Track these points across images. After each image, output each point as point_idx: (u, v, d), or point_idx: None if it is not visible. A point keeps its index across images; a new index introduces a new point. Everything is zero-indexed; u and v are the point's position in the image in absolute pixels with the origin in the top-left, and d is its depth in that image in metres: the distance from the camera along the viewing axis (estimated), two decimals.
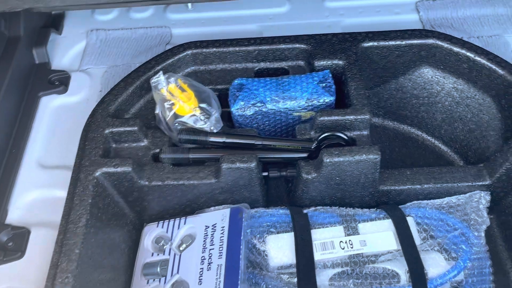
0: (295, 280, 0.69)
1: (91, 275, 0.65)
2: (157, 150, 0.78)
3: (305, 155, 0.78)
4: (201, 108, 0.77)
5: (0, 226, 0.72)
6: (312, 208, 0.78)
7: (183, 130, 0.77)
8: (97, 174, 0.70)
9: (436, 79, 0.90)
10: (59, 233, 0.65)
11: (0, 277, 0.68)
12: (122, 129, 0.76)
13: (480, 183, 0.75)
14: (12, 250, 0.70)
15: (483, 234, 0.72)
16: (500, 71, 0.80)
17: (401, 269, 0.69)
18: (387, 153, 0.94)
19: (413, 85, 0.92)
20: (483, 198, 0.75)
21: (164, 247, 0.76)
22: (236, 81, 0.83)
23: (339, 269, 0.69)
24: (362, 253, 0.70)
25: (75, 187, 0.69)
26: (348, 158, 0.71)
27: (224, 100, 0.84)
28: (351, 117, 0.76)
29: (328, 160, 0.71)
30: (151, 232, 0.78)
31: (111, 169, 0.71)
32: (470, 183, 0.75)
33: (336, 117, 0.76)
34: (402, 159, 0.93)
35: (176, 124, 0.78)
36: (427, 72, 0.90)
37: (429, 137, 0.95)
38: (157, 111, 0.80)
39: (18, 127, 0.84)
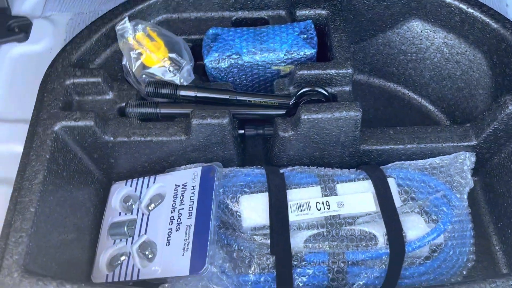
0: (268, 241, 0.66)
1: (50, 235, 0.61)
2: (123, 104, 0.72)
3: (282, 112, 0.73)
4: (171, 59, 0.71)
5: None
6: (289, 168, 0.74)
7: (151, 82, 0.71)
8: (56, 128, 0.65)
9: (425, 33, 0.84)
10: (14, 190, 0.61)
11: None
12: (84, 80, 0.70)
13: (466, 143, 0.72)
14: None
15: (465, 197, 0.69)
16: (494, 25, 0.75)
17: (379, 231, 0.66)
18: (371, 112, 0.89)
19: (401, 39, 0.86)
20: (468, 159, 0.72)
21: (132, 206, 0.72)
22: (210, 31, 0.77)
23: (314, 231, 0.66)
24: (339, 215, 0.67)
25: (32, 142, 0.64)
26: (327, 115, 0.66)
27: (198, 53, 0.78)
28: (333, 71, 0.71)
29: (306, 117, 0.66)
30: (119, 191, 0.74)
31: (72, 123, 0.66)
32: (455, 144, 0.72)
33: (316, 71, 0.71)
34: (386, 118, 0.89)
35: (144, 76, 0.72)
36: (417, 26, 0.84)
37: (416, 96, 0.90)
38: (124, 62, 0.74)
39: None
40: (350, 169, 0.73)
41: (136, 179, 0.74)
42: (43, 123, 0.65)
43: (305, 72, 0.71)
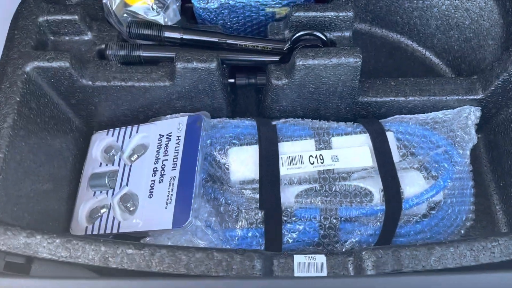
0: (257, 195, 0.62)
1: (21, 183, 0.57)
2: (103, 46, 0.66)
3: (276, 58, 0.67)
4: None
5: None
6: (282, 120, 0.69)
7: (133, 22, 0.65)
8: (27, 68, 0.59)
9: None
10: None
11: None
12: (59, 17, 0.64)
13: (472, 97, 0.67)
14: None
15: (468, 153, 0.65)
16: None
17: (374, 187, 0.62)
18: (372, 63, 0.83)
19: None
20: (472, 114, 0.67)
21: (114, 157, 0.68)
22: None
23: (306, 186, 0.62)
24: (333, 169, 0.63)
25: (1, 83, 0.58)
26: (325, 61, 0.61)
27: None
28: (332, 13, 0.65)
29: (301, 63, 0.61)
30: (101, 141, 0.70)
31: (45, 64, 0.60)
32: (460, 97, 0.67)
33: (314, 13, 0.65)
34: (387, 70, 0.84)
35: (125, 15, 0.66)
36: None
37: (419, 47, 0.84)
38: (104, 0, 0.67)
39: None
40: (347, 123, 0.69)
41: (118, 128, 0.70)
42: (13, 63, 0.59)
43: (302, 14, 0.65)
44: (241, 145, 0.65)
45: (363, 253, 0.48)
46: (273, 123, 0.68)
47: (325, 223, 0.61)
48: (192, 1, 0.68)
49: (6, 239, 0.49)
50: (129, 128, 0.69)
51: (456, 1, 0.77)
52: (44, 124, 0.62)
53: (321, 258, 0.50)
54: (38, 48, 0.62)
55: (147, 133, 0.67)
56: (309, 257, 0.50)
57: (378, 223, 0.61)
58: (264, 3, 0.68)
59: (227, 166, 0.64)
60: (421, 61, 0.84)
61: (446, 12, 0.79)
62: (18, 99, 0.57)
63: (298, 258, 0.50)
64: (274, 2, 0.68)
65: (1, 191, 0.53)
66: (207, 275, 0.47)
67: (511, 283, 0.38)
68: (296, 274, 0.49)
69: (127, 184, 0.64)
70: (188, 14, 0.73)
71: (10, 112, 0.56)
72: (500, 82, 0.64)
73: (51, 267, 0.53)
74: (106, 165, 0.68)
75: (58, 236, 0.49)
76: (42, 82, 0.61)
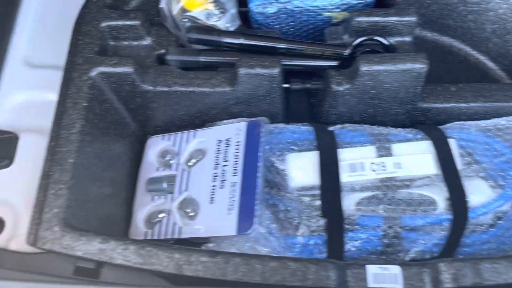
0: (317, 203, 0.61)
1: (88, 188, 0.57)
2: (162, 51, 0.66)
3: (335, 63, 0.66)
4: (215, 1, 0.64)
5: None
6: (339, 126, 0.68)
7: (193, 28, 0.65)
8: (92, 74, 0.60)
9: None
10: (51, 139, 0.56)
11: None
12: (121, 22, 0.64)
13: None
14: None
15: None
16: None
17: (439, 195, 0.61)
18: None
19: None
20: None
21: (171, 161, 0.68)
22: None
23: (368, 193, 0.61)
24: (395, 177, 0.62)
25: (68, 88, 0.59)
26: (390, 67, 0.60)
27: None
28: (394, 18, 0.64)
29: (365, 69, 0.60)
30: (156, 145, 0.70)
31: (110, 69, 0.60)
32: None
33: (376, 18, 0.64)
34: (439, 75, 0.81)
35: (185, 20, 0.66)
36: None
37: (473, 52, 0.83)
38: (162, 5, 0.67)
39: (0, 19, 0.71)
40: (406, 129, 0.68)
41: (174, 133, 0.70)
42: (78, 68, 0.60)
43: (364, 19, 0.64)
44: (299, 151, 0.65)
45: (441, 264, 0.47)
46: (330, 129, 0.67)
47: (389, 231, 0.60)
48: (249, 6, 0.68)
49: (81, 244, 0.49)
50: (185, 133, 0.69)
51: None
52: (106, 129, 0.63)
53: (395, 269, 0.49)
54: (100, 53, 0.63)
55: (204, 138, 0.67)
56: (382, 267, 0.49)
57: (443, 233, 0.60)
58: (323, 8, 0.68)
59: (285, 172, 0.64)
60: (474, 66, 0.82)
61: (503, 16, 0.77)
62: (85, 104, 0.58)
63: (371, 269, 0.49)
64: (332, 7, 0.68)
65: (72, 196, 0.53)
66: (282, 284, 0.47)
67: None
68: (370, 285, 0.48)
69: (186, 189, 0.64)
70: (241, 19, 0.73)
71: (78, 117, 0.57)
72: None
73: (120, 273, 0.53)
74: (163, 169, 0.68)
75: (132, 243, 0.49)
76: (105, 87, 0.62)
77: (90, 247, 0.49)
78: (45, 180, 0.54)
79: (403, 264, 0.49)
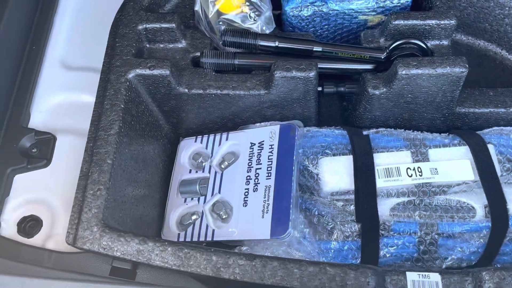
0: (351, 207, 0.61)
1: (125, 190, 0.58)
2: (197, 54, 0.67)
3: (370, 66, 0.66)
4: (251, 3, 0.64)
5: (22, 130, 0.64)
6: (373, 130, 0.67)
7: (228, 30, 0.65)
8: (130, 76, 0.60)
9: None
10: (89, 140, 0.57)
11: (23, 186, 0.61)
12: (157, 25, 0.65)
13: None
14: (37, 157, 0.62)
15: None
16: None
17: (477, 202, 0.59)
18: None
19: None
20: None
21: (203, 164, 0.68)
22: None
23: (404, 199, 0.60)
24: (432, 182, 0.61)
25: (105, 90, 0.60)
26: (428, 71, 0.59)
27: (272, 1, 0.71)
28: (433, 21, 0.63)
29: (404, 72, 0.59)
30: (188, 147, 0.70)
31: (147, 71, 0.61)
32: None
33: (414, 21, 0.63)
34: (475, 80, 0.80)
35: (220, 23, 0.66)
36: None
37: (510, 56, 0.81)
38: (196, 8, 0.68)
39: (38, 20, 0.73)
40: (442, 134, 0.66)
41: (206, 135, 0.70)
42: (116, 70, 0.61)
43: (402, 22, 0.63)
44: (333, 155, 0.64)
45: (483, 273, 0.46)
46: (364, 133, 0.66)
47: (426, 238, 0.59)
48: (285, 9, 0.68)
49: (119, 245, 0.50)
50: (218, 136, 0.69)
51: None
52: (142, 131, 0.63)
53: (435, 277, 0.48)
54: (137, 55, 0.63)
55: (237, 141, 0.67)
56: (422, 275, 0.48)
57: (482, 240, 0.59)
58: (358, 10, 0.67)
59: (319, 176, 0.63)
60: (511, 70, 0.80)
61: None
62: (122, 106, 0.58)
63: (411, 276, 0.48)
64: (368, 10, 0.67)
65: (110, 196, 0.54)
66: None
67: None
68: None
69: (219, 192, 0.64)
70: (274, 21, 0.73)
71: (116, 119, 0.57)
72: None
73: (155, 274, 0.53)
74: (196, 172, 0.68)
75: (170, 244, 0.49)
76: (141, 89, 0.62)
77: (128, 248, 0.49)
78: (83, 181, 0.54)
79: (443, 272, 0.48)
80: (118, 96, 0.59)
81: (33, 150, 0.63)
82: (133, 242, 0.49)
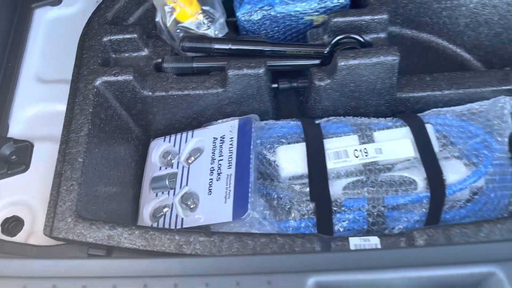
0: (307, 189, 0.67)
1: (97, 185, 0.63)
2: (159, 60, 0.73)
3: (317, 61, 0.72)
4: (204, 11, 0.71)
5: (1, 139, 0.70)
6: (325, 119, 0.74)
7: (186, 37, 0.72)
8: (97, 83, 0.67)
9: None
10: (61, 143, 0.63)
11: (5, 190, 0.67)
12: (121, 36, 0.71)
13: (506, 87, 0.70)
14: (16, 163, 0.68)
15: (506, 140, 0.68)
16: None
17: (418, 176, 0.66)
18: (405, 63, 0.86)
19: None
20: (507, 103, 0.70)
21: (172, 161, 0.74)
22: None
23: (353, 178, 0.67)
24: (377, 161, 0.67)
25: (75, 97, 0.66)
26: (365, 61, 0.66)
27: (229, 9, 0.78)
28: (368, 17, 0.70)
29: (343, 64, 0.66)
30: (158, 147, 0.76)
31: (112, 78, 0.67)
32: (494, 88, 0.70)
33: (351, 18, 0.70)
34: (420, 70, 0.86)
35: (178, 30, 0.72)
36: None
37: (450, 45, 0.88)
38: (157, 19, 0.74)
39: (13, 40, 0.79)
40: (387, 118, 0.73)
41: (174, 135, 0.76)
42: (84, 79, 0.67)
43: (340, 19, 0.70)
44: (288, 143, 0.70)
45: (415, 232, 0.52)
46: (317, 122, 0.73)
47: (373, 211, 0.65)
48: (237, 14, 0.75)
49: (91, 232, 0.55)
50: (184, 134, 0.75)
51: None
52: (111, 133, 0.69)
53: (375, 240, 0.54)
54: (103, 65, 0.70)
55: (202, 137, 0.73)
56: (363, 239, 0.54)
57: (424, 210, 0.65)
58: (303, 12, 0.74)
59: (277, 164, 0.69)
60: (452, 58, 0.88)
61: (475, 10, 0.83)
62: (91, 110, 0.64)
63: (353, 240, 0.54)
64: (312, 11, 0.74)
65: (82, 191, 0.59)
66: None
67: None
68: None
69: (186, 184, 0.70)
70: (230, 28, 0.80)
71: (85, 122, 0.63)
72: None
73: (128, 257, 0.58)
74: (166, 168, 0.74)
75: (137, 228, 0.55)
76: (108, 95, 0.68)
77: (99, 234, 0.55)
78: (57, 179, 0.60)
79: (382, 235, 0.54)
80: (86, 102, 0.65)
81: (13, 157, 0.69)
82: (103, 228, 0.55)
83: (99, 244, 0.55)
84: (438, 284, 0.41)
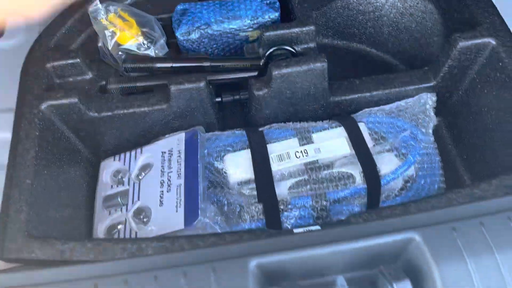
0: (255, 192, 0.70)
1: (47, 206, 0.64)
2: (104, 82, 0.76)
3: (255, 73, 0.77)
4: (143, 33, 0.75)
5: None
6: (267, 126, 0.78)
7: (128, 59, 0.75)
8: (42, 107, 0.68)
9: None
10: (8, 168, 0.64)
11: None
12: (64, 62, 0.73)
13: (426, 84, 0.77)
14: None
15: (430, 131, 0.75)
16: None
17: (355, 170, 0.71)
18: (339, 71, 0.93)
19: (358, 0, 0.92)
20: (429, 99, 0.78)
21: (123, 178, 0.76)
22: (178, 7, 0.81)
23: (297, 178, 0.71)
24: (317, 160, 0.72)
25: (20, 122, 0.67)
26: (296, 69, 0.71)
27: (169, 30, 0.82)
28: (297, 29, 0.76)
29: (276, 73, 0.71)
30: (109, 167, 0.78)
31: (57, 101, 0.69)
32: (416, 86, 0.78)
33: (282, 31, 0.76)
34: (354, 76, 0.94)
35: (120, 53, 0.76)
36: None
37: (378, 52, 0.96)
38: (100, 44, 0.77)
39: None
40: (324, 120, 0.79)
41: (124, 153, 0.78)
42: (29, 104, 0.68)
43: (272, 33, 0.76)
44: (234, 151, 0.74)
45: (351, 218, 0.57)
46: (260, 129, 0.77)
47: (317, 206, 0.69)
48: (176, 35, 0.79)
49: (43, 249, 0.56)
50: (133, 152, 0.77)
51: (401, 8, 0.90)
52: (60, 155, 0.71)
53: (316, 227, 0.58)
54: (48, 90, 0.71)
55: (150, 153, 0.76)
56: (306, 229, 0.58)
57: (363, 201, 0.70)
58: (238, 28, 0.79)
59: (225, 171, 0.73)
60: (381, 64, 0.95)
61: (394, 19, 0.91)
62: (37, 133, 0.66)
63: (297, 231, 0.58)
64: (246, 27, 0.79)
65: (33, 212, 0.60)
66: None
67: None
68: None
69: (138, 199, 0.72)
70: (172, 48, 0.84)
71: (32, 146, 0.64)
72: (446, 68, 0.75)
73: None
74: (117, 186, 0.75)
75: (89, 241, 0.56)
76: (54, 118, 0.70)
77: (52, 251, 0.56)
78: (6, 202, 0.60)
79: (323, 223, 0.58)
80: (32, 126, 0.66)
81: None
82: (55, 245, 0.56)
83: (52, 260, 0.56)
84: (372, 253, 0.45)
